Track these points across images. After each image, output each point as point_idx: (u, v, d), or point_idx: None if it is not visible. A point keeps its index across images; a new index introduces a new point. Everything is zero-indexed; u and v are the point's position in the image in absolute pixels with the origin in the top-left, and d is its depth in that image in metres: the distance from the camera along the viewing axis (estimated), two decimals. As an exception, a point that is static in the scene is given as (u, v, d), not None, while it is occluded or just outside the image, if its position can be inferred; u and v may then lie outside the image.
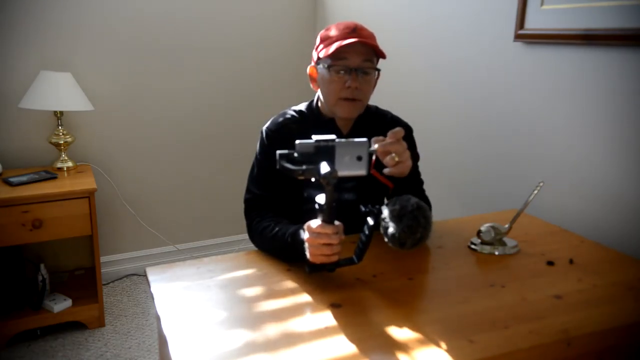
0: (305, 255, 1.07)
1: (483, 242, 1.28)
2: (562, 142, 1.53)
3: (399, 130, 1.09)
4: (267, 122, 1.40)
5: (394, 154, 1.08)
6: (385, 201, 1.11)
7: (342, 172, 1.03)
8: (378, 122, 1.41)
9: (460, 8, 1.89)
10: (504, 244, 1.29)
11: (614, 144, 1.39)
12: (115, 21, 2.48)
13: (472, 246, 1.29)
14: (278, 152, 1.02)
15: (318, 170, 0.98)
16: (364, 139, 1.04)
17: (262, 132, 1.38)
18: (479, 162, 1.86)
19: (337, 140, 1.02)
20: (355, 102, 1.30)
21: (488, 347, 0.88)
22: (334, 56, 1.25)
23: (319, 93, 1.37)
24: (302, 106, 1.42)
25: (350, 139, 1.04)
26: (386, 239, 1.04)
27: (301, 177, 1.01)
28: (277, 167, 1.02)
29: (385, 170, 1.10)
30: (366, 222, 1.06)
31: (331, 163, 1.01)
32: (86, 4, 2.41)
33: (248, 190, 1.37)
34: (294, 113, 1.39)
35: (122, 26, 2.50)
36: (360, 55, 1.26)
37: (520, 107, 1.66)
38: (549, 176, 1.56)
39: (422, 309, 1.02)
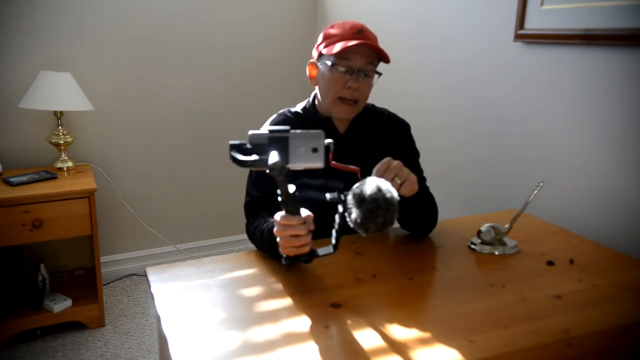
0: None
1: (483, 242, 1.28)
2: (562, 141, 1.53)
3: (383, 162, 1.10)
4: (265, 123, 1.40)
5: (396, 179, 1.08)
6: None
7: (297, 164, 0.98)
8: (375, 120, 1.41)
9: (460, 8, 1.89)
10: (504, 244, 1.29)
11: (614, 143, 1.39)
12: (115, 21, 2.48)
13: (472, 246, 1.29)
14: (230, 142, 0.97)
15: (267, 161, 0.92)
16: (319, 130, 0.99)
17: None
18: (479, 162, 1.86)
19: (291, 131, 0.98)
20: (354, 104, 1.31)
21: (488, 347, 0.88)
22: (338, 55, 1.26)
23: (316, 91, 1.37)
24: (299, 107, 1.42)
25: (305, 130, 0.99)
26: (351, 225, 0.99)
27: (253, 169, 0.97)
28: (229, 157, 0.97)
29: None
30: (337, 210, 1.03)
31: (285, 155, 0.97)
32: (86, 4, 2.41)
33: (247, 194, 1.37)
34: (290, 114, 1.40)
35: (122, 26, 2.50)
36: (364, 57, 1.27)
37: (520, 107, 1.66)
38: (549, 176, 1.56)
39: (422, 309, 1.02)
